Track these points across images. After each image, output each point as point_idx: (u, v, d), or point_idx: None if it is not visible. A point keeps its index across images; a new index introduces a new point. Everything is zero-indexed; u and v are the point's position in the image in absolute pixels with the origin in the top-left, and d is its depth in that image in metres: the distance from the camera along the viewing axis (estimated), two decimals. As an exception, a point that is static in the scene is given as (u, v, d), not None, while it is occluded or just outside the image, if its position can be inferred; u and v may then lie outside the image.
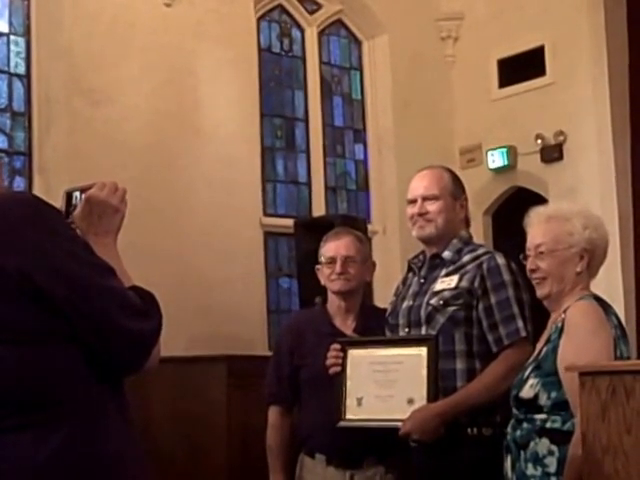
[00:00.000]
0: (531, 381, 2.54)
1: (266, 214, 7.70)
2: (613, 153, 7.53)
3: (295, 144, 8.11)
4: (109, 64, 6.79)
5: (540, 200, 8.11)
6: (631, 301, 7.25)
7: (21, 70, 6.72)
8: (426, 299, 3.25)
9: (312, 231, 6.19)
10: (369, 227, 7.44)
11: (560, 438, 2.49)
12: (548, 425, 2.49)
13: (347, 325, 3.44)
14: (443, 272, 3.28)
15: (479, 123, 8.41)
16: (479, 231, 8.27)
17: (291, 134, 8.09)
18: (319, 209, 8.02)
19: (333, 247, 3.46)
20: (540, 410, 2.50)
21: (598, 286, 7.41)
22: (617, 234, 7.43)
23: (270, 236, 7.68)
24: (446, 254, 3.31)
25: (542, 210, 2.91)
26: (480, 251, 3.31)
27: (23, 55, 6.74)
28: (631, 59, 7.50)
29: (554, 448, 2.49)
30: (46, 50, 6.71)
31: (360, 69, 8.58)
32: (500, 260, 3.22)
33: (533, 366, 2.61)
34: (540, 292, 2.78)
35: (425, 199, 3.33)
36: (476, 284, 3.17)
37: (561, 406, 2.51)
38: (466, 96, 8.57)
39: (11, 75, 6.69)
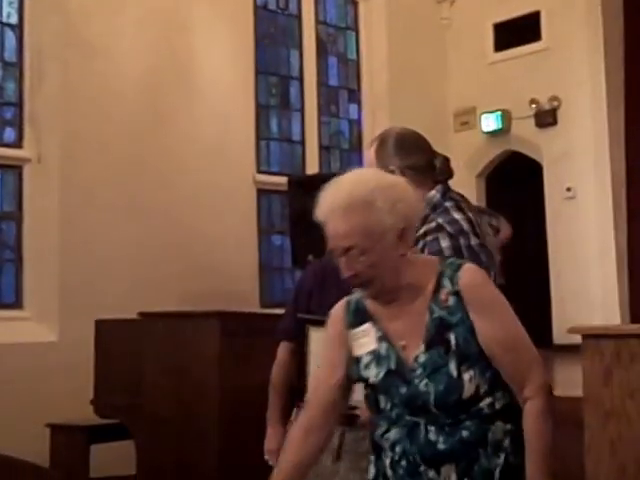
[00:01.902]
0: (467, 376, 2.19)
1: (259, 171, 7.68)
2: (607, 118, 7.53)
3: (290, 102, 8.07)
4: (103, 17, 6.72)
5: (533, 164, 8.16)
6: (623, 264, 7.29)
7: (14, 20, 6.64)
8: None
9: (306, 189, 6.17)
10: (362, 187, 7.42)
11: (512, 413, 2.32)
12: (497, 406, 2.21)
13: None
14: None
15: (474, 86, 8.38)
16: (473, 194, 8.27)
17: (286, 92, 8.05)
18: (312, 167, 8.01)
19: None
20: (481, 398, 2.22)
21: (591, 249, 7.53)
22: (610, 198, 7.46)
23: (263, 193, 7.67)
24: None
25: (334, 200, 2.23)
26: (433, 223, 2.89)
27: (16, 5, 6.65)
28: (626, 25, 7.48)
29: (509, 427, 2.32)
30: (40, 1, 6.62)
31: (356, 29, 8.53)
32: (444, 243, 2.85)
33: (456, 361, 2.20)
34: (370, 293, 2.29)
35: None
36: None
37: (496, 383, 2.22)
38: (461, 59, 8.54)
39: (3, 25, 6.62)
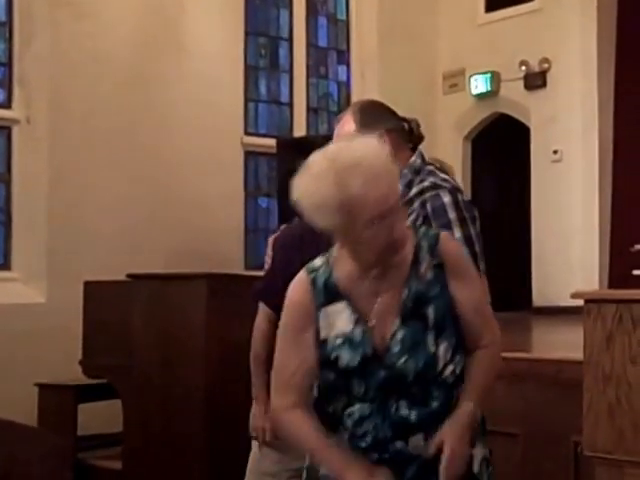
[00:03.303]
0: (442, 348, 2.14)
1: (247, 133, 7.67)
2: (597, 82, 7.52)
3: (278, 64, 8.04)
4: (92, -24, 6.67)
5: (521, 127, 8.16)
6: (606, 229, 7.33)
7: (2, -20, 6.59)
8: None
9: (294, 151, 6.17)
10: (350, 149, 7.41)
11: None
12: (457, 371, 2.16)
13: None
14: None
15: (463, 48, 8.35)
16: (459, 156, 8.29)
17: (275, 53, 8.02)
18: (300, 130, 8.00)
19: None
20: (446, 366, 2.16)
21: (574, 213, 7.57)
22: (596, 162, 7.48)
23: (250, 155, 7.66)
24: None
25: (373, 165, 2.08)
26: (427, 183, 2.90)
27: (5, -35, 6.60)
28: (619, -12, 7.46)
29: None
30: (28, -40, 6.57)
31: (346, -11, 8.48)
32: (445, 198, 2.85)
33: (434, 335, 2.13)
34: (388, 264, 2.17)
35: None
36: (418, 226, 2.79)
37: (456, 347, 2.17)
38: (451, 20, 8.50)
39: (-8, -15, 6.57)
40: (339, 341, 2.16)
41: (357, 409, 2.17)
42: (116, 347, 5.03)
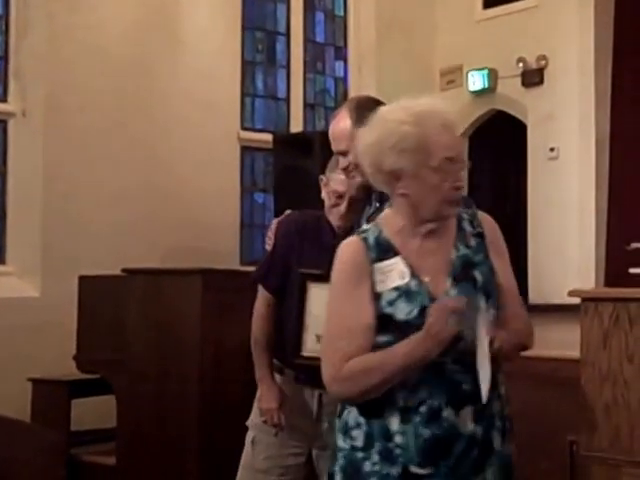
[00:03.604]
0: (491, 312, 2.17)
1: (244, 128, 7.65)
2: (594, 80, 7.51)
3: (275, 59, 8.02)
4: (89, -31, 6.64)
5: (518, 124, 8.15)
6: (602, 227, 7.33)
7: (-1, -28, 6.56)
8: None
9: (290, 147, 6.17)
10: (346, 145, 7.40)
11: None
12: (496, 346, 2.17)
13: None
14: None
15: (461, 44, 8.33)
16: (456, 153, 8.27)
17: (272, 48, 8.00)
18: (297, 125, 7.98)
19: (343, 183, 3.19)
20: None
21: (571, 211, 7.56)
22: (593, 160, 7.48)
23: (246, 150, 7.65)
24: None
25: (450, 114, 2.27)
26: None
27: (1, -43, 6.56)
28: (617, -14, 7.45)
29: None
30: (25, -48, 6.54)
31: (344, -16, 8.46)
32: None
33: (484, 297, 2.18)
34: (447, 215, 2.29)
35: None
36: None
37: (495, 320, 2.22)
38: (449, 16, 8.48)
39: (-12, -23, 6.54)
40: (395, 294, 2.17)
41: (409, 374, 2.13)
42: (110, 342, 5.01)
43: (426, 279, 2.18)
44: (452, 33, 8.41)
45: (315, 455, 3.23)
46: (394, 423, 2.14)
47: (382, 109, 2.27)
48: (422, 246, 2.22)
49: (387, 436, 2.14)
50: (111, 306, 5.08)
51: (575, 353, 2.43)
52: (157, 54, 6.92)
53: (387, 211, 2.30)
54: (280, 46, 8.05)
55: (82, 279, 5.31)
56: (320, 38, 8.32)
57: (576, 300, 2.45)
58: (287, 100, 8.04)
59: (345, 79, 8.41)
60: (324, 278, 2.93)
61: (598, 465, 2.21)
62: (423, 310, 2.12)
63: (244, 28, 7.70)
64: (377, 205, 2.94)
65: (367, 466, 2.13)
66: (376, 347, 2.15)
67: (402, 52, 8.18)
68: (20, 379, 5.52)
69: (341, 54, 8.41)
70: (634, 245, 6.70)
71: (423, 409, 2.13)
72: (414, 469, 2.11)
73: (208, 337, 4.62)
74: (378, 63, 8.21)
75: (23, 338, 5.86)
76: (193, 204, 6.92)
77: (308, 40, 8.20)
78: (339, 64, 8.41)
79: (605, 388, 2.17)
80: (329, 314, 2.23)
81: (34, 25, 6.49)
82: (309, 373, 3.07)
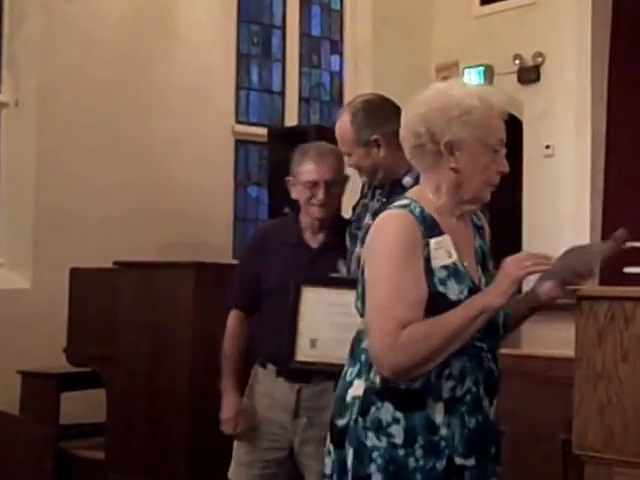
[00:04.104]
0: None
1: (238, 122, 7.62)
2: (590, 77, 7.50)
3: (271, 52, 7.99)
4: (85, -42, 6.60)
5: (514, 121, 8.12)
6: (597, 225, 7.33)
7: (-8, -39, 6.51)
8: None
9: (285, 141, 6.13)
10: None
11: None
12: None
13: (316, 238, 3.33)
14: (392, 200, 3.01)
15: (458, 40, 8.31)
16: (451, 150, 8.26)
17: (267, 42, 7.96)
18: (291, 119, 7.96)
19: (315, 170, 3.22)
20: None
21: (566, 209, 7.55)
22: (589, 158, 7.47)
23: (240, 144, 7.62)
24: (407, 180, 2.94)
25: (436, 114, 2.24)
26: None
27: (-5, -54, 6.51)
28: (614, -17, 7.44)
29: None
30: (20, -60, 6.49)
31: (340, -22, 8.43)
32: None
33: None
34: (482, 202, 2.34)
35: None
36: None
37: None
38: (446, 12, 8.46)
39: (-19, -34, 6.49)
40: (445, 273, 2.13)
41: (454, 366, 2.10)
42: (101, 335, 4.99)
43: (465, 262, 2.17)
44: (449, 29, 8.39)
45: (296, 450, 3.23)
46: (438, 415, 2.09)
47: (436, 85, 2.27)
48: (457, 228, 2.20)
49: (431, 429, 2.09)
50: (102, 299, 5.05)
51: (569, 352, 2.41)
52: (152, 46, 6.89)
53: (416, 189, 2.27)
54: (276, 39, 8.02)
55: (73, 271, 5.27)
56: (316, 32, 8.29)
57: (570, 299, 2.46)
58: (282, 94, 8.01)
59: (341, 73, 8.39)
60: (318, 282, 3.06)
61: (591, 464, 2.19)
62: (471, 292, 2.11)
63: (240, 21, 7.67)
64: (384, 200, 2.96)
65: (411, 462, 2.07)
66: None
67: (398, 47, 8.16)
68: (9, 371, 5.48)
69: (337, 48, 8.39)
70: (629, 244, 6.68)
71: (468, 398, 2.11)
72: (459, 460, 2.09)
73: (200, 331, 4.60)
74: (374, 58, 8.18)
75: (13, 330, 5.81)
76: (187, 197, 6.89)
77: (304, 34, 8.17)
78: (335, 58, 8.39)
79: (599, 387, 2.16)
80: (378, 284, 2.11)
81: (29, 14, 6.45)
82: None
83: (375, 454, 2.09)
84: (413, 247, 2.10)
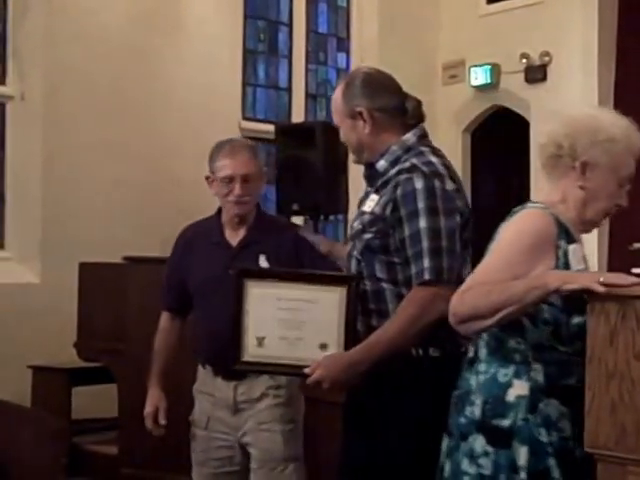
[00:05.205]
0: None
1: (245, 118, 7.62)
2: (597, 76, 7.50)
3: (278, 48, 7.99)
4: (89, -49, 6.59)
5: (521, 120, 8.14)
6: (605, 225, 7.32)
7: (-3, -48, 6.50)
8: (355, 219, 2.85)
9: (292, 137, 6.13)
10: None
11: None
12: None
13: (236, 236, 3.30)
14: (373, 188, 2.81)
15: (464, 39, 8.31)
16: (458, 148, 8.26)
17: (274, 38, 7.96)
18: (298, 116, 7.96)
19: (230, 165, 3.23)
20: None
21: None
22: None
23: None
24: (380, 164, 2.81)
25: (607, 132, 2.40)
26: (407, 164, 2.73)
27: (0, -63, 6.50)
28: (621, -17, 7.44)
29: None
30: None
31: (348, -25, 8.43)
32: (418, 184, 2.66)
33: None
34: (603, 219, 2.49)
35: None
36: (388, 211, 2.70)
37: None
38: (453, 10, 8.45)
39: (-14, -43, 6.48)
40: None
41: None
42: (111, 330, 4.99)
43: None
44: (455, 27, 8.39)
45: (245, 445, 3.26)
46: (522, 456, 2.23)
47: (586, 107, 2.59)
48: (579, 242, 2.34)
49: (514, 468, 2.22)
50: (112, 294, 5.06)
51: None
52: (158, 40, 6.87)
53: (543, 197, 2.37)
54: (282, 36, 8.02)
55: (83, 266, 5.28)
56: (323, 29, 8.29)
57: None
58: (289, 90, 8.01)
59: (347, 70, 8.38)
60: (263, 274, 2.93)
61: (603, 463, 2.21)
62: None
63: (246, 17, 7.67)
64: (368, 189, 2.86)
65: (578, 452, 2.19)
66: (574, 326, 2.25)
67: (405, 45, 8.15)
68: (20, 366, 5.49)
69: (343, 45, 8.39)
70: (637, 245, 6.70)
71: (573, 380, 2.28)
72: None
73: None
74: (380, 56, 8.16)
75: (23, 324, 5.80)
76: (194, 192, 6.87)
77: (311, 30, 8.17)
78: (341, 55, 8.39)
79: (611, 386, 2.17)
80: (489, 267, 2.27)
81: (33, 6, 6.43)
82: (225, 365, 3.02)
83: (550, 449, 2.24)
84: (543, 245, 2.24)
